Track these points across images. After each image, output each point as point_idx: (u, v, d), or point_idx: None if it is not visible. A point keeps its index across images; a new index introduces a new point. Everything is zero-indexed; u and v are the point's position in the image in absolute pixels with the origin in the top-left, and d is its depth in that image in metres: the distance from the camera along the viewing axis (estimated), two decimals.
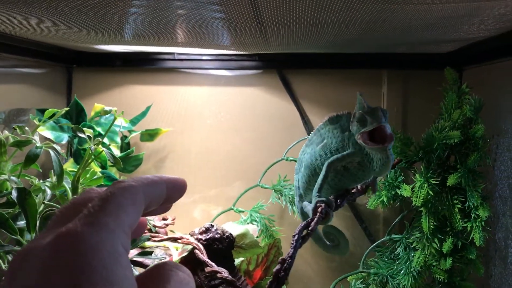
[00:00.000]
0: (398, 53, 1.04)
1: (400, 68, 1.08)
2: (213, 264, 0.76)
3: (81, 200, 0.27)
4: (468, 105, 0.85)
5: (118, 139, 1.00)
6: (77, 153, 0.92)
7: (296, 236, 0.60)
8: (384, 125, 0.65)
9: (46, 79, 1.10)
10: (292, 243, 0.60)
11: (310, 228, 0.63)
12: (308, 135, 1.09)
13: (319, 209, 0.67)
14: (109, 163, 1.00)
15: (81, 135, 0.69)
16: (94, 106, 1.01)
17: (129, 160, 1.02)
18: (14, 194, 0.62)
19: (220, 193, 1.13)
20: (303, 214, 0.84)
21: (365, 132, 0.66)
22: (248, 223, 1.03)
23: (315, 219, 0.65)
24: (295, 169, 0.85)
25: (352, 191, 0.78)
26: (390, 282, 0.91)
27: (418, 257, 0.88)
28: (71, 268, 0.23)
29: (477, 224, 0.83)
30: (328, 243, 0.87)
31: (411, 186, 0.89)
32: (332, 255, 1.10)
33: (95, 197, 0.26)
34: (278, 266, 0.58)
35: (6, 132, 0.69)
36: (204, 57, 1.08)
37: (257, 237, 0.98)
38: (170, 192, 0.29)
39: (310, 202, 0.76)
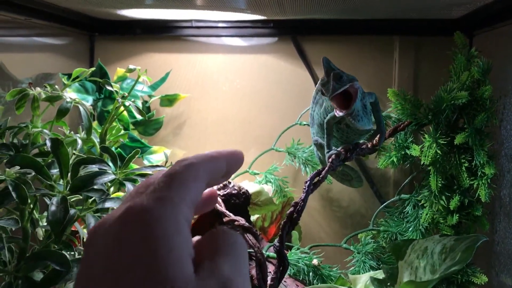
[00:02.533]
0: (410, 19, 1.06)
1: (412, 34, 1.10)
2: (230, 214, 0.81)
3: (151, 179, 0.29)
4: (477, 67, 0.87)
5: (140, 103, 1.05)
6: (101, 115, 0.97)
7: (308, 182, 0.65)
8: (338, 94, 0.69)
9: (69, 48, 1.15)
10: (304, 188, 0.64)
11: (321, 176, 0.67)
12: None
13: (330, 160, 0.71)
14: (131, 126, 1.05)
15: (109, 87, 0.73)
16: (116, 71, 1.06)
17: (150, 123, 1.07)
18: (48, 143, 0.68)
19: None
20: (320, 161, 0.90)
21: (332, 102, 0.71)
22: (263, 184, 1.07)
23: (326, 168, 0.69)
24: (309, 122, 0.89)
25: (362, 146, 0.82)
26: (398, 239, 0.96)
27: (426, 214, 0.92)
28: (137, 237, 0.25)
29: (483, 181, 0.86)
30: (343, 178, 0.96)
31: (420, 146, 0.92)
32: (344, 218, 1.15)
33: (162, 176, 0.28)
34: (291, 209, 0.62)
35: (38, 89, 0.74)
36: (220, 24, 1.12)
37: (271, 197, 1.03)
38: (229, 165, 0.32)
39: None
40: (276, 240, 0.61)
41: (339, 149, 0.77)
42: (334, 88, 0.69)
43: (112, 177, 0.67)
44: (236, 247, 0.28)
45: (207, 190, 0.34)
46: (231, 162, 0.32)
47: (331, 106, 0.76)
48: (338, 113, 0.70)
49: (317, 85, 0.81)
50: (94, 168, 0.69)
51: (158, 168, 0.73)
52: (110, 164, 0.71)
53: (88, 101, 0.94)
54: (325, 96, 0.72)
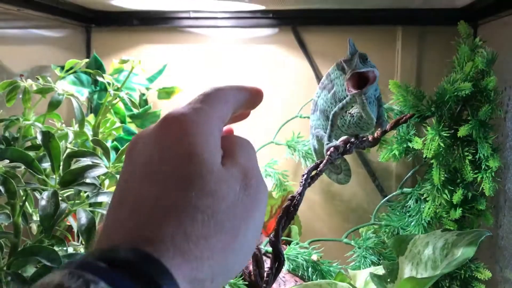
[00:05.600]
0: (412, 8, 1.04)
1: (414, 24, 1.08)
2: None
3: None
4: (481, 57, 0.85)
5: (136, 96, 1.03)
6: (97, 108, 0.96)
7: (305, 175, 0.63)
8: (361, 72, 0.68)
9: (65, 40, 1.13)
10: (301, 182, 0.62)
11: (319, 169, 0.65)
12: None
13: (328, 153, 0.69)
14: (128, 119, 1.03)
15: (100, 79, 0.72)
16: (111, 63, 1.04)
17: (147, 116, 1.05)
18: (39, 137, 0.66)
19: None
20: (316, 153, 0.87)
21: (348, 80, 0.68)
22: None
23: (324, 161, 0.67)
24: (310, 109, 0.86)
25: (363, 139, 0.80)
26: (400, 233, 0.94)
27: (429, 208, 0.90)
28: (175, 135, 0.29)
29: (487, 174, 0.84)
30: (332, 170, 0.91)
31: (422, 139, 0.90)
32: (345, 212, 1.13)
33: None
34: (288, 203, 0.60)
35: (30, 81, 0.72)
36: (218, 15, 1.10)
37: (271, 191, 1.01)
38: (252, 98, 0.36)
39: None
40: (271, 235, 0.60)
41: (338, 141, 0.75)
42: (358, 65, 0.68)
43: (104, 170, 0.65)
44: (248, 146, 0.34)
45: (227, 127, 0.39)
46: (254, 95, 0.36)
47: (342, 90, 0.74)
48: (351, 91, 0.68)
49: (330, 69, 0.79)
50: (87, 161, 0.68)
51: None
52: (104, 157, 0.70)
53: (83, 93, 0.93)
54: (344, 74, 0.71)
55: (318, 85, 0.82)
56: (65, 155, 0.67)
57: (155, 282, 0.24)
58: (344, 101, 0.73)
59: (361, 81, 0.68)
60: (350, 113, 0.74)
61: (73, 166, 0.68)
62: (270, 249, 0.82)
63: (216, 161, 0.29)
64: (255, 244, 0.32)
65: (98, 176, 0.67)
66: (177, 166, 0.28)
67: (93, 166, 0.65)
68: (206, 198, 0.28)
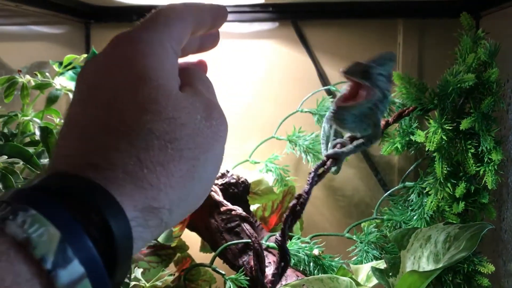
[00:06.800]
0: (414, 1, 1.03)
1: (416, 16, 1.07)
2: (228, 203, 0.79)
3: None
4: (483, 49, 0.84)
5: None
6: None
7: (312, 173, 0.62)
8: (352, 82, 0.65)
9: (65, 36, 1.12)
10: (308, 180, 0.61)
11: (326, 167, 0.64)
12: (323, 86, 1.10)
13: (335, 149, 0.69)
14: None
15: None
16: None
17: None
18: (37, 132, 0.66)
19: (237, 148, 1.15)
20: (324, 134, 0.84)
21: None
22: (263, 173, 1.05)
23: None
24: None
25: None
26: (403, 228, 0.93)
27: (431, 202, 0.89)
28: (126, 54, 0.27)
29: (490, 168, 0.83)
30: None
31: (425, 132, 0.89)
32: (347, 207, 1.13)
33: None
34: (294, 201, 0.60)
35: (28, 76, 0.72)
36: None
37: (272, 186, 1.00)
38: (214, 16, 0.33)
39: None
40: (278, 234, 0.59)
41: (345, 138, 0.75)
42: (352, 68, 0.62)
43: None
44: (208, 80, 0.33)
45: (198, 60, 0.37)
46: (216, 14, 0.33)
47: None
48: (335, 102, 0.65)
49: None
50: None
51: None
52: None
53: None
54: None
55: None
56: None
57: (96, 210, 0.22)
58: None
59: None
60: None
61: None
62: (271, 244, 0.82)
63: (173, 86, 0.27)
64: (214, 179, 0.31)
65: None
66: (129, 89, 0.26)
67: None
68: (163, 123, 0.25)
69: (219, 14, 0.33)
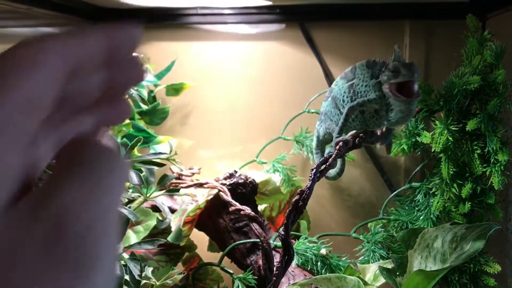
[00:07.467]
0: (420, 2, 1.03)
1: (422, 18, 1.07)
2: (236, 203, 0.80)
3: None
4: (489, 51, 0.85)
5: (145, 93, 1.04)
6: None
7: (314, 170, 0.63)
8: (414, 81, 0.68)
9: None
10: (310, 176, 0.63)
11: (328, 163, 0.65)
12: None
13: (337, 147, 0.70)
14: (137, 116, 1.04)
15: None
16: None
17: (156, 112, 1.05)
18: None
19: (244, 149, 1.16)
20: (318, 139, 0.88)
21: (395, 83, 0.69)
22: (270, 173, 1.06)
23: (333, 155, 0.67)
24: (325, 96, 0.87)
25: (372, 133, 0.80)
26: (409, 228, 0.94)
27: (437, 202, 0.90)
28: None
29: (496, 168, 0.84)
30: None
31: (431, 133, 0.90)
32: (354, 207, 1.13)
33: None
34: (297, 197, 0.61)
35: None
36: (225, 11, 1.10)
37: (279, 186, 1.01)
38: (112, 43, 0.21)
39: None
40: (281, 229, 0.60)
41: (347, 136, 0.76)
42: (410, 75, 0.68)
43: None
44: (101, 161, 0.18)
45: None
46: (116, 37, 0.21)
47: (364, 86, 0.74)
48: (399, 96, 0.69)
49: (357, 63, 0.79)
50: None
51: (162, 156, 0.72)
52: None
53: None
54: (372, 72, 0.73)
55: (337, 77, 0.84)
56: None
57: None
58: (366, 98, 0.73)
59: (404, 89, 0.69)
60: (375, 110, 0.74)
61: None
62: (279, 243, 0.83)
63: None
64: None
65: None
66: None
67: None
68: None
69: (121, 35, 0.22)
